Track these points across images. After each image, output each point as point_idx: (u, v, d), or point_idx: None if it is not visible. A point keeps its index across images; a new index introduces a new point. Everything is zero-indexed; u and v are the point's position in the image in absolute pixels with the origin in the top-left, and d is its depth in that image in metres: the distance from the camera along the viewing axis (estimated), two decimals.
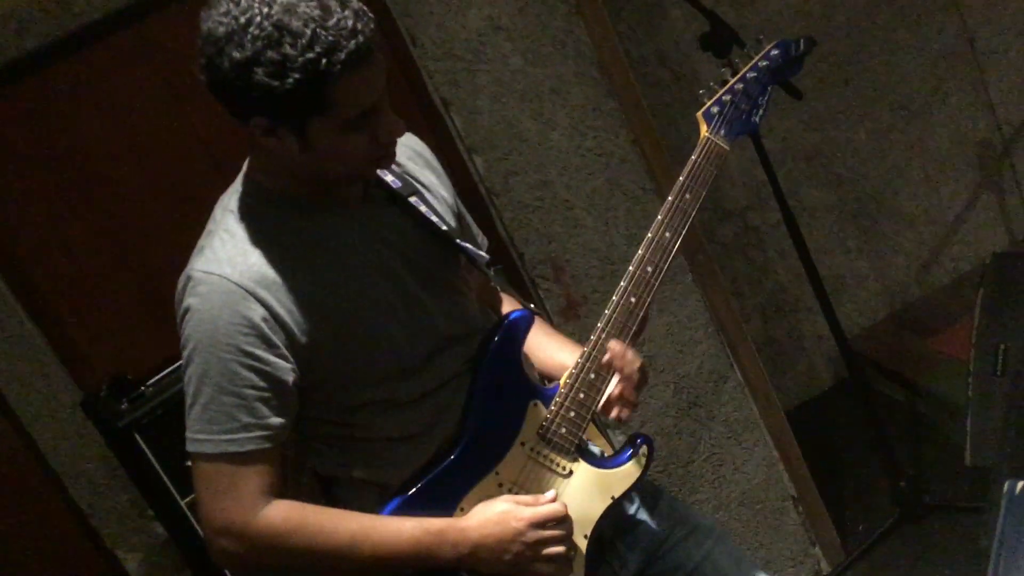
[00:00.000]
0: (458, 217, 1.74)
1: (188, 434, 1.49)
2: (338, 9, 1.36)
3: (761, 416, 2.70)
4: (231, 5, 1.36)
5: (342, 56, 1.35)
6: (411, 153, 1.70)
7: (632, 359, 1.64)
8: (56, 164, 2.32)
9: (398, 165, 1.65)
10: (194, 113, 2.31)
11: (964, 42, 3.40)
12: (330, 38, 1.34)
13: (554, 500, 1.58)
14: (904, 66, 3.37)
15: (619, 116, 2.47)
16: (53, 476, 2.34)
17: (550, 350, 1.77)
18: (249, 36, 1.34)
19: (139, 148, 2.35)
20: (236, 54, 1.35)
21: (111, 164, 2.35)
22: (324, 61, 1.35)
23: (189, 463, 1.52)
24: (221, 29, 1.36)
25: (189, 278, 1.48)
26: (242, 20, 1.35)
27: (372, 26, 1.39)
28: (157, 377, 2.15)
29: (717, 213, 3.30)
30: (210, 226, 1.53)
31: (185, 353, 1.48)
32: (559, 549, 1.56)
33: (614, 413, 1.67)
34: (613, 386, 1.66)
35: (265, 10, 1.35)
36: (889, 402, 3.23)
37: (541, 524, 1.55)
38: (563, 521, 1.57)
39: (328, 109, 1.39)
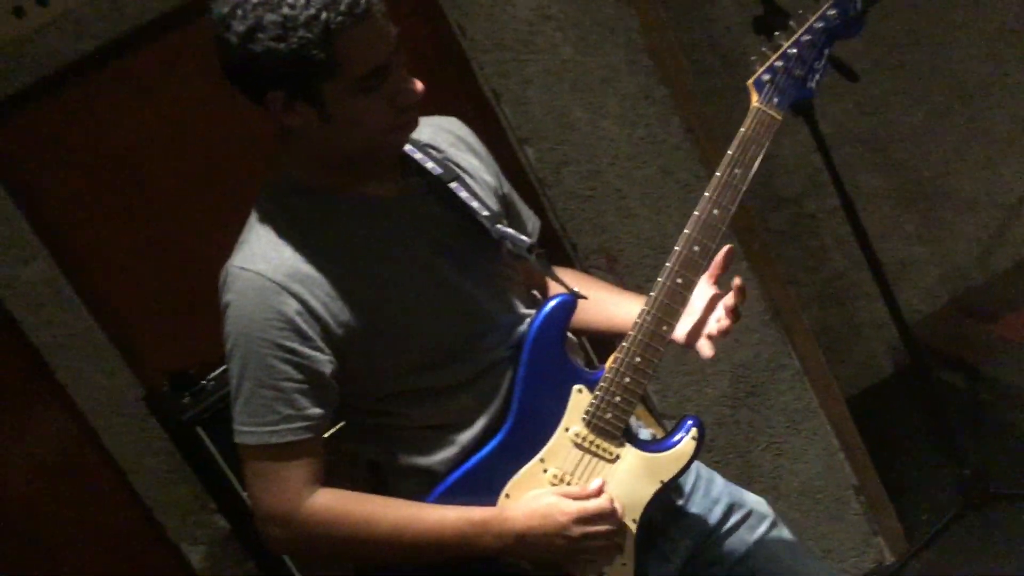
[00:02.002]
0: (503, 200, 1.73)
1: (234, 426, 1.52)
2: None
3: (820, 405, 2.66)
4: None
5: (342, 8, 1.38)
6: (453, 139, 1.70)
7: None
8: (115, 164, 2.37)
9: (439, 151, 1.65)
10: (246, 112, 2.32)
11: (1023, 20, 3.32)
12: None
13: (600, 491, 1.57)
14: (961, 46, 3.30)
15: (671, 103, 2.45)
16: (118, 471, 2.39)
17: (615, 305, 1.76)
18: (249, 5, 1.38)
19: (195, 147, 2.39)
20: (239, 26, 1.39)
21: (168, 163, 2.39)
22: (324, 15, 1.37)
23: None
24: (225, 8, 1.40)
25: (227, 273, 1.51)
26: None
27: None
28: (217, 371, 2.17)
29: (771, 200, 3.26)
30: (250, 220, 1.56)
31: (227, 348, 1.51)
32: (603, 543, 1.56)
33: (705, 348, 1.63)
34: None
35: None
36: (951, 390, 3.17)
37: (586, 519, 1.54)
38: (609, 515, 1.56)
39: (336, 69, 1.41)
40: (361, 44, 1.41)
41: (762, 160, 1.64)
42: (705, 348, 1.65)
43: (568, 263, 2.48)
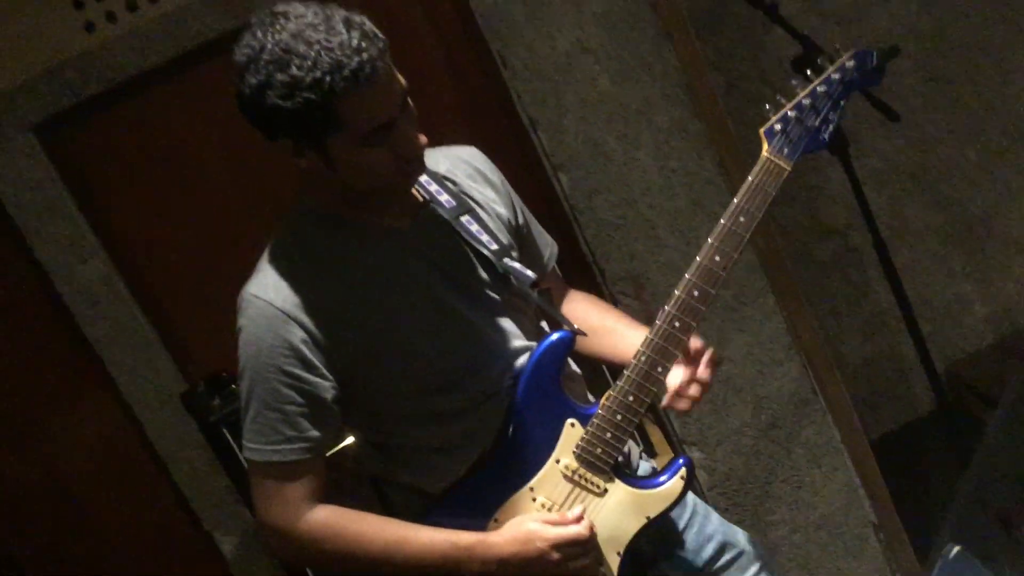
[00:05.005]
0: (518, 232, 1.79)
1: (243, 442, 1.63)
2: (343, 31, 1.45)
3: (843, 441, 2.68)
4: (250, 37, 1.48)
5: (346, 74, 1.43)
6: (470, 170, 1.76)
7: (706, 369, 1.68)
8: (173, 172, 2.50)
9: (454, 183, 1.72)
10: None
11: None
12: (334, 57, 1.43)
13: (580, 519, 1.63)
14: (1017, 87, 3.26)
15: (704, 138, 2.49)
16: (159, 461, 2.52)
17: (621, 337, 1.81)
18: (262, 61, 1.45)
19: (246, 158, 2.50)
20: (252, 80, 1.47)
21: (221, 173, 2.51)
22: (328, 79, 1.43)
23: None
24: (242, 58, 1.48)
25: (242, 299, 1.62)
26: (257, 47, 1.46)
27: (380, 46, 1.47)
28: None
29: (816, 231, 3.27)
30: (267, 247, 1.65)
31: (239, 368, 1.62)
32: (582, 569, 1.62)
33: (677, 404, 1.69)
34: (679, 378, 1.70)
35: (276, 37, 1.45)
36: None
37: (565, 545, 1.60)
38: (586, 543, 1.62)
39: (341, 126, 1.48)
40: (365, 105, 1.47)
41: (767, 209, 1.66)
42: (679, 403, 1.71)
43: (596, 288, 2.54)
